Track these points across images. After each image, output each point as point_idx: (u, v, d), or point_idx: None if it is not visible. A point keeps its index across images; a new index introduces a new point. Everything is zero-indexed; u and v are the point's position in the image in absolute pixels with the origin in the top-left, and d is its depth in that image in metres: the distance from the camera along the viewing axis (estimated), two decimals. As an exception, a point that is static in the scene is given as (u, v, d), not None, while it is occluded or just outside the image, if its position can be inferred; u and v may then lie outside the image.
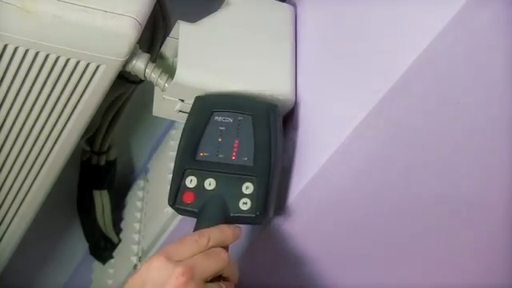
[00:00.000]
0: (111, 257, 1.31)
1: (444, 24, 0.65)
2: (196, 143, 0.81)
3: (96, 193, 1.28)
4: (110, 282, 1.30)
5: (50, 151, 1.00)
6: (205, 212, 0.78)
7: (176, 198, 0.80)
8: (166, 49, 0.91)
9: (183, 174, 0.80)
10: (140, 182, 1.28)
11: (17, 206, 1.08)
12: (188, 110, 0.85)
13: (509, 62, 0.68)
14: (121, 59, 0.85)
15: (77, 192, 1.30)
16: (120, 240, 1.30)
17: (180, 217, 1.06)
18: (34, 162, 1.01)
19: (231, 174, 0.79)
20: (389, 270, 0.91)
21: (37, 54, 0.86)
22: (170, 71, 0.89)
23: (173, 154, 1.17)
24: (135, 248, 1.23)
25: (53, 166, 1.02)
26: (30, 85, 0.90)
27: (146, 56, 0.88)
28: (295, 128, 0.86)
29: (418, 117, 0.72)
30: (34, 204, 1.08)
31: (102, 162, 1.25)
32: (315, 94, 0.84)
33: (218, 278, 0.74)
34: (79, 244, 1.38)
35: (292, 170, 0.83)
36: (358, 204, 0.82)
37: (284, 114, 0.88)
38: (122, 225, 1.31)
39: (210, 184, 0.79)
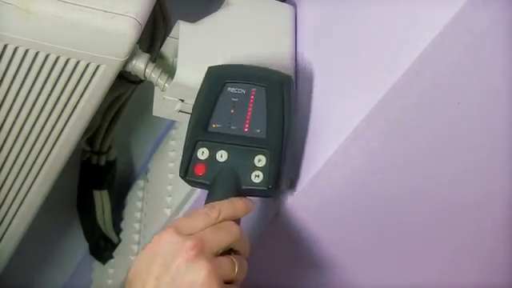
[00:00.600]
0: (111, 257, 1.31)
1: (444, 24, 0.65)
2: (208, 115, 0.79)
3: (96, 193, 1.28)
4: (109, 282, 1.30)
5: (50, 151, 1.00)
6: (216, 184, 0.77)
7: (187, 170, 0.78)
8: (166, 49, 0.91)
9: (195, 145, 0.79)
10: (140, 182, 1.28)
11: (17, 206, 1.08)
12: (188, 110, 0.85)
13: (509, 62, 0.68)
14: (121, 59, 0.85)
15: (77, 192, 1.30)
16: (120, 240, 1.30)
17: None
18: (34, 162, 1.01)
19: (243, 146, 0.78)
20: (389, 269, 0.91)
21: (37, 54, 0.86)
22: (170, 71, 0.89)
23: (173, 154, 1.17)
24: (135, 248, 1.23)
25: (53, 166, 1.01)
26: (29, 85, 0.90)
27: (146, 56, 0.88)
28: (295, 128, 0.86)
29: (418, 117, 0.72)
30: (34, 204, 1.08)
31: (102, 162, 1.25)
32: (315, 94, 0.84)
33: (228, 251, 0.73)
34: (79, 244, 1.38)
35: (292, 170, 0.83)
36: (357, 204, 0.82)
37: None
38: (122, 225, 1.31)
39: (221, 156, 0.78)
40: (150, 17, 0.87)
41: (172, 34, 0.90)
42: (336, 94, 0.80)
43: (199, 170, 0.78)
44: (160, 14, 1.01)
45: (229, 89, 0.80)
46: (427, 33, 0.66)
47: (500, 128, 0.74)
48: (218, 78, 0.81)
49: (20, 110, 0.93)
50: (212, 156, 0.78)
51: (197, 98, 0.81)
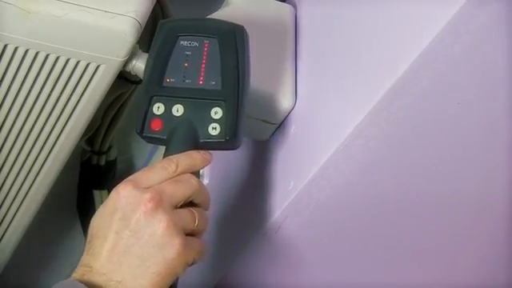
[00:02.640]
0: (111, 257, 1.31)
1: (444, 24, 0.65)
2: (162, 69, 0.78)
3: (96, 193, 1.28)
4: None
5: (50, 151, 1.00)
6: (173, 139, 0.76)
7: (144, 126, 0.77)
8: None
9: (150, 101, 0.77)
10: (140, 182, 1.28)
11: (17, 206, 1.08)
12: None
13: (509, 62, 0.68)
14: (121, 59, 0.85)
15: (77, 192, 1.30)
16: (120, 240, 1.29)
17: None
18: (34, 162, 1.01)
19: (199, 99, 0.76)
20: (389, 269, 0.91)
21: (37, 53, 0.86)
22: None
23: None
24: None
25: (53, 165, 1.02)
26: (30, 85, 0.90)
27: (146, 56, 0.88)
28: (295, 128, 0.86)
29: (418, 117, 0.72)
30: (34, 204, 1.08)
31: (102, 162, 1.25)
32: (315, 93, 0.84)
33: (188, 204, 0.72)
34: (79, 244, 1.38)
35: (292, 170, 0.83)
36: (357, 204, 0.82)
37: (284, 115, 0.88)
38: (122, 225, 1.30)
39: (177, 110, 0.77)
40: (150, 17, 0.87)
41: (172, 34, 0.90)
42: (336, 93, 0.80)
43: (155, 126, 0.77)
44: (160, 14, 1.01)
45: (182, 42, 0.79)
46: (427, 33, 0.66)
47: (500, 128, 0.74)
48: (170, 32, 0.79)
49: (20, 110, 0.93)
50: (168, 111, 0.77)
51: (150, 54, 0.80)
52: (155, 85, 0.78)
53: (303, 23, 0.92)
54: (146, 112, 0.77)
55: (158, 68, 0.78)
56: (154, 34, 0.92)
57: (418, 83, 0.69)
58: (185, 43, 0.79)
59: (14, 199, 1.07)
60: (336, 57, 0.82)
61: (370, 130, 0.73)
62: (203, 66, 0.78)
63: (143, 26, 0.85)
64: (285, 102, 0.86)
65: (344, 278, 0.92)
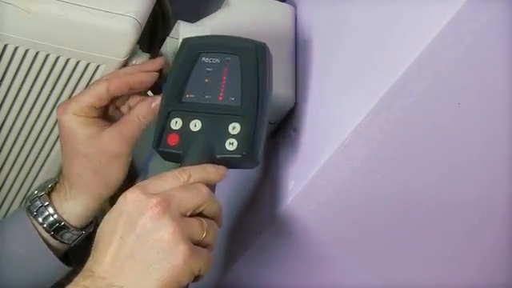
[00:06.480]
0: (111, 257, 1.31)
1: (444, 24, 0.65)
2: (182, 85, 0.78)
3: (96, 193, 1.28)
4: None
5: (50, 151, 1.00)
6: (189, 154, 0.75)
7: (160, 140, 0.76)
8: (166, 49, 0.91)
9: (168, 115, 0.77)
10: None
11: (17, 207, 1.08)
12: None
13: (509, 62, 0.68)
14: (121, 59, 0.85)
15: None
16: (120, 240, 1.29)
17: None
18: (34, 162, 1.01)
19: (217, 115, 0.75)
20: (389, 269, 0.91)
21: (37, 53, 0.86)
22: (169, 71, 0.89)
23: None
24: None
25: (53, 166, 1.01)
26: (30, 85, 0.90)
27: (146, 56, 0.88)
28: (295, 128, 0.86)
29: (418, 117, 0.72)
30: (34, 204, 1.08)
31: (102, 162, 1.25)
32: (315, 93, 0.84)
33: (199, 215, 0.70)
34: (79, 244, 1.37)
35: (292, 170, 0.83)
36: (357, 204, 0.82)
37: (284, 115, 0.88)
38: (122, 225, 1.30)
39: (195, 125, 0.76)
40: (150, 17, 0.87)
41: (172, 34, 0.90)
42: (336, 93, 0.80)
43: (172, 140, 0.76)
44: (160, 13, 1.01)
45: (203, 59, 0.78)
46: (427, 33, 0.66)
47: (500, 128, 0.74)
48: (193, 49, 0.79)
49: (20, 110, 0.93)
50: (185, 126, 0.76)
51: (171, 70, 0.80)
52: (174, 100, 0.77)
53: (303, 23, 0.92)
54: (164, 127, 0.77)
55: (178, 84, 0.78)
56: (154, 33, 0.92)
57: (419, 83, 0.69)
58: (206, 60, 0.78)
59: (13, 199, 1.07)
60: (336, 57, 0.82)
61: (370, 130, 0.73)
62: (223, 82, 0.77)
63: (143, 26, 0.85)
64: (285, 101, 0.86)
65: (344, 278, 0.92)
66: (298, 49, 0.90)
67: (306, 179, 0.80)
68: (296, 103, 0.87)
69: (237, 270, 0.94)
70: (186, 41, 0.80)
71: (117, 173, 0.82)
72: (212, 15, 0.90)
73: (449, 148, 0.76)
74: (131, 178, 1.33)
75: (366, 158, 0.76)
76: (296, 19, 0.93)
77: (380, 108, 0.71)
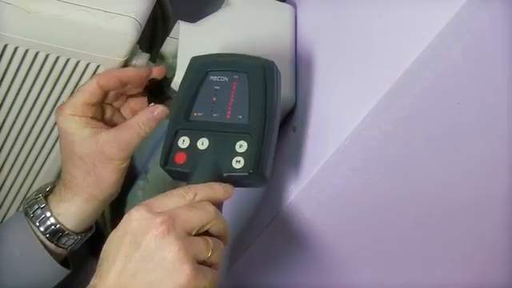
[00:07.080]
0: (111, 257, 1.31)
1: (444, 24, 0.65)
2: (190, 104, 0.78)
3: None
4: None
5: (50, 151, 1.00)
6: (195, 171, 0.75)
7: (168, 159, 0.76)
8: (166, 49, 0.91)
9: (175, 134, 0.77)
10: (140, 182, 1.28)
11: (17, 207, 1.08)
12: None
13: (509, 62, 0.68)
14: (121, 59, 0.85)
15: (77, 192, 1.30)
16: (120, 240, 1.29)
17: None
18: (34, 162, 1.01)
19: (224, 133, 0.75)
20: (389, 269, 0.91)
21: (37, 53, 0.86)
22: (169, 71, 0.89)
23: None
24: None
25: (53, 166, 1.01)
26: (30, 85, 0.90)
27: (146, 56, 0.88)
28: (295, 128, 0.86)
29: (418, 117, 0.72)
30: (34, 204, 1.08)
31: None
32: (315, 93, 0.84)
33: (205, 234, 0.70)
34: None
35: (292, 170, 0.83)
36: (357, 204, 0.82)
37: (284, 114, 0.88)
38: (122, 225, 1.30)
39: (202, 144, 0.76)
40: (150, 17, 0.87)
41: (172, 34, 0.90)
42: (336, 93, 0.80)
43: (179, 159, 0.76)
44: (160, 13, 1.01)
45: (211, 77, 0.79)
46: (427, 33, 0.66)
47: (500, 128, 0.74)
48: (201, 67, 0.79)
49: (20, 110, 0.93)
50: (193, 144, 0.76)
51: (179, 88, 0.80)
52: (182, 118, 0.78)
53: (303, 23, 0.92)
54: (171, 145, 0.77)
55: (186, 103, 0.78)
56: (154, 33, 0.92)
57: (419, 83, 0.69)
58: (214, 78, 0.79)
59: (13, 199, 1.07)
60: (336, 57, 0.82)
61: (370, 130, 0.73)
62: (231, 100, 0.77)
63: (143, 26, 0.85)
64: (284, 101, 0.86)
65: (344, 278, 0.92)
66: (298, 49, 0.90)
67: (306, 179, 0.80)
68: (296, 103, 0.87)
69: (237, 269, 0.94)
70: (194, 59, 0.81)
71: (110, 177, 0.82)
72: (212, 15, 0.91)
73: (449, 148, 0.76)
74: (131, 178, 1.33)
75: (366, 158, 0.76)
76: (296, 19, 0.93)
77: (380, 108, 0.71)
